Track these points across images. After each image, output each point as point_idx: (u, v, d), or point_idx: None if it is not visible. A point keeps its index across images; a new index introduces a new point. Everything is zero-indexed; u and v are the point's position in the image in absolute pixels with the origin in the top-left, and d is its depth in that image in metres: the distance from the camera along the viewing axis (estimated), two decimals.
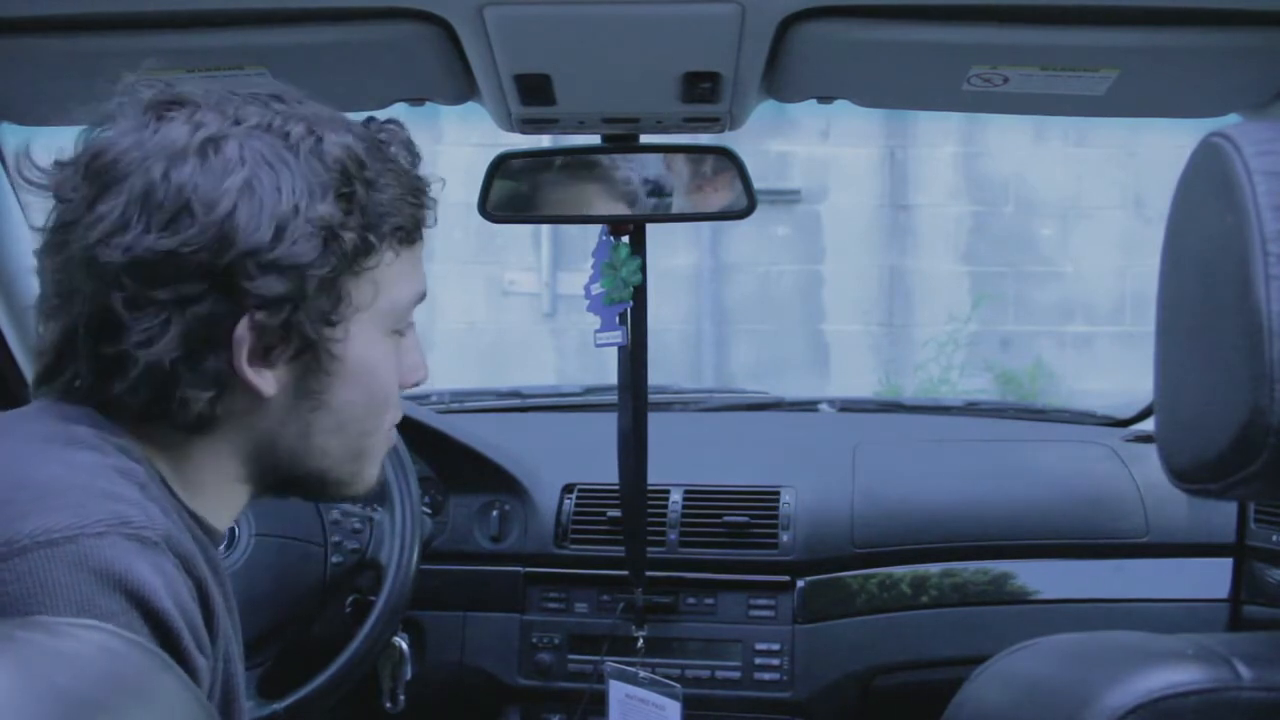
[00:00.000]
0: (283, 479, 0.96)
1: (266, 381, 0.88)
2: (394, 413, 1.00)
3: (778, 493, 1.86)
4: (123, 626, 0.70)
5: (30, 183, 0.90)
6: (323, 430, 0.93)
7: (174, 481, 0.90)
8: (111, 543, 0.75)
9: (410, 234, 0.95)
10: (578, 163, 1.53)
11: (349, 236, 0.88)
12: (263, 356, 0.88)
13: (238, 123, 0.87)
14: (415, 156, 0.97)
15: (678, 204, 1.53)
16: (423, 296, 0.99)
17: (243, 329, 0.85)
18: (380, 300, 0.93)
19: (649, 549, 1.79)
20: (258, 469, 0.94)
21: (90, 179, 0.85)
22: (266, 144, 0.86)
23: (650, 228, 1.60)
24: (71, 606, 0.73)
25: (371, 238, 0.90)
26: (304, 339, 0.88)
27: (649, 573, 1.80)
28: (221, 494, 0.94)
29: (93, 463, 0.82)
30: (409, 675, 1.76)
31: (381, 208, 0.91)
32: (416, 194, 0.95)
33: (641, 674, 1.76)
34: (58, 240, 0.87)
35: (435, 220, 0.98)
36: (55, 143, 0.91)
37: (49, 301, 0.89)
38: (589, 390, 2.32)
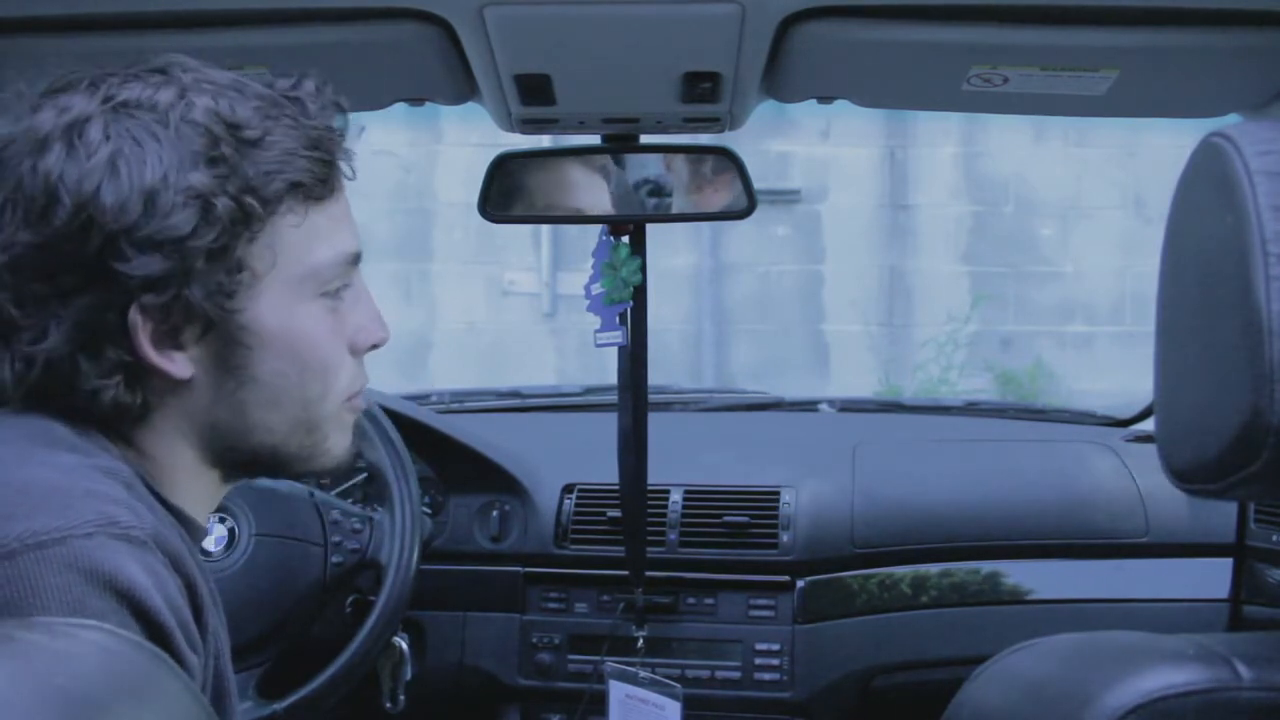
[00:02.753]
0: (241, 460, 0.93)
1: (178, 364, 0.86)
2: (346, 378, 0.94)
3: (778, 493, 1.86)
4: (115, 626, 0.70)
5: None
6: (258, 405, 0.90)
7: (150, 476, 0.88)
8: (100, 543, 0.75)
9: (314, 190, 0.88)
10: (578, 163, 1.53)
11: (223, 203, 0.83)
12: (171, 338, 0.85)
13: (106, 100, 0.84)
14: (326, 107, 0.91)
15: (678, 204, 1.53)
16: (355, 257, 0.93)
17: (134, 314, 0.83)
18: (289, 264, 0.88)
19: (649, 549, 1.79)
20: (214, 452, 0.92)
21: None
22: (134, 119, 0.83)
23: (650, 228, 1.60)
24: (63, 608, 0.72)
25: (251, 201, 0.84)
26: (204, 315, 0.85)
27: (649, 573, 1.80)
28: (192, 483, 0.92)
29: (76, 463, 0.82)
30: (409, 675, 1.76)
31: (267, 166, 0.85)
32: (318, 146, 0.89)
33: (642, 674, 1.76)
34: None
35: (353, 173, 0.93)
36: None
37: None
38: (589, 390, 2.32)
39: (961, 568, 1.83)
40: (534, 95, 1.32)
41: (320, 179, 0.89)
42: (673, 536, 1.84)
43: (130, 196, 0.81)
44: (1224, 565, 1.80)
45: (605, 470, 1.77)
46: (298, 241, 0.88)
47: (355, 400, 0.97)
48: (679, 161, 1.53)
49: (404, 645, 1.75)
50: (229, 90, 0.86)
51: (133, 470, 0.86)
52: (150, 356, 0.84)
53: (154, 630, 0.75)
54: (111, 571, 0.74)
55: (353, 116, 0.96)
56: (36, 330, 0.83)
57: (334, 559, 1.62)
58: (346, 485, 1.82)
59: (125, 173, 0.81)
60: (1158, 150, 5.75)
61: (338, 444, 0.96)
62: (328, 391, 0.93)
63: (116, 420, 0.87)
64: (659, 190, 1.52)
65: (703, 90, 1.30)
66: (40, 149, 0.82)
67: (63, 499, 0.77)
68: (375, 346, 0.97)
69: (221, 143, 0.84)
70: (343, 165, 0.92)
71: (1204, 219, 0.79)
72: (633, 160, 1.52)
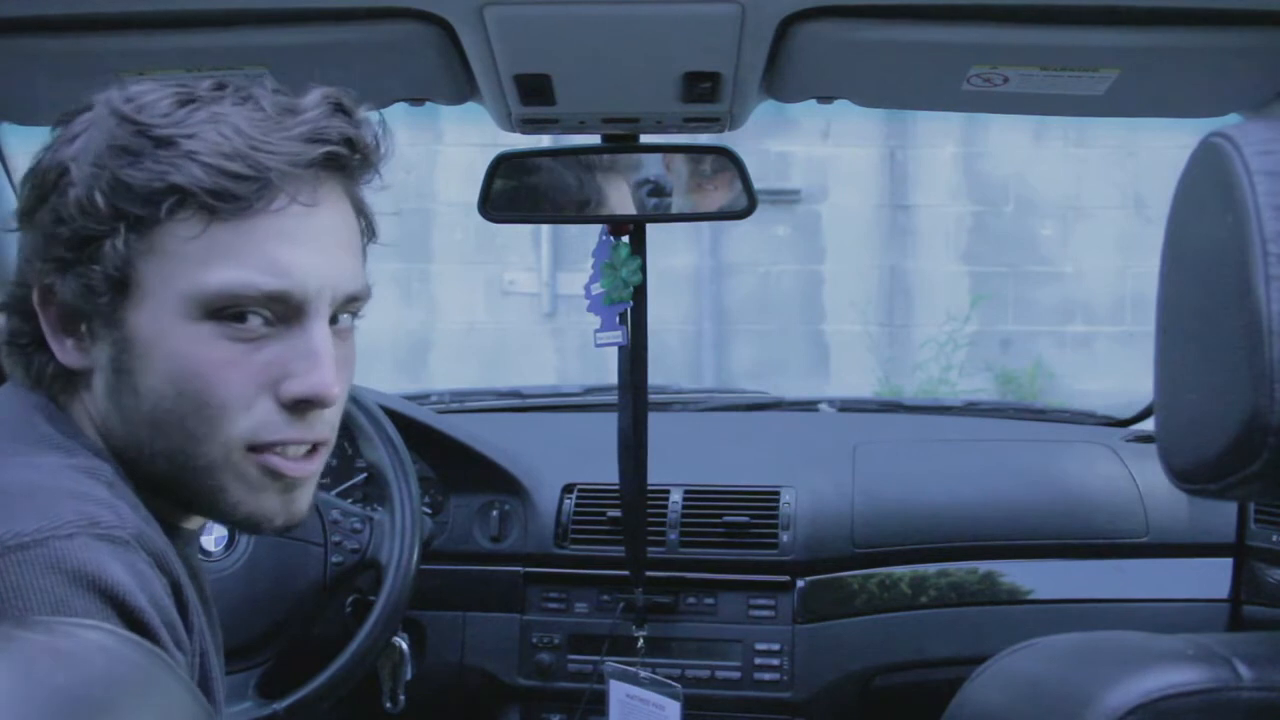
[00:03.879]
0: (150, 479, 0.88)
1: (66, 352, 0.87)
2: (249, 423, 0.85)
3: (778, 493, 1.86)
4: None
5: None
6: (141, 421, 0.86)
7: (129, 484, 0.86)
8: (83, 544, 0.74)
9: (215, 206, 0.82)
10: (577, 163, 1.53)
11: (100, 195, 0.82)
12: (72, 325, 0.87)
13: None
14: (272, 117, 0.85)
15: (678, 204, 1.53)
16: (266, 294, 0.83)
17: (35, 291, 0.88)
18: (176, 278, 0.83)
19: (649, 549, 1.79)
20: (126, 463, 0.89)
21: None
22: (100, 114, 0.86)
23: (650, 228, 1.60)
24: (46, 609, 0.72)
25: (124, 205, 0.82)
26: (86, 307, 0.85)
27: (649, 573, 1.80)
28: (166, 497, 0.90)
29: (57, 464, 0.82)
30: (409, 675, 1.76)
31: (149, 173, 0.81)
32: (232, 158, 0.82)
33: (642, 674, 1.75)
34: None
35: (314, 201, 0.85)
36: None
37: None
38: (589, 390, 2.32)
39: (961, 568, 1.83)
40: (534, 95, 1.32)
41: (226, 194, 0.82)
42: (673, 536, 1.84)
43: (50, 169, 0.85)
44: (1224, 565, 1.80)
45: (605, 470, 1.77)
46: (192, 255, 0.82)
47: (269, 456, 0.87)
48: (679, 161, 1.52)
49: (404, 645, 1.75)
50: (163, 89, 0.86)
51: (114, 468, 0.85)
52: (47, 334, 0.87)
53: (139, 630, 0.74)
54: (95, 572, 0.73)
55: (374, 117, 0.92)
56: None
57: (334, 559, 1.61)
58: (346, 485, 1.82)
59: (56, 146, 0.86)
60: (1158, 150, 5.75)
61: (242, 500, 0.87)
62: (214, 431, 0.85)
63: (58, 389, 0.89)
64: (659, 190, 1.52)
65: (703, 90, 1.30)
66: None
67: (44, 500, 0.76)
68: (309, 401, 0.85)
69: (133, 134, 0.83)
70: (282, 185, 0.83)
71: (1204, 219, 0.79)
72: (633, 160, 1.52)
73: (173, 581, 0.81)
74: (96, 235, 0.83)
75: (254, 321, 0.84)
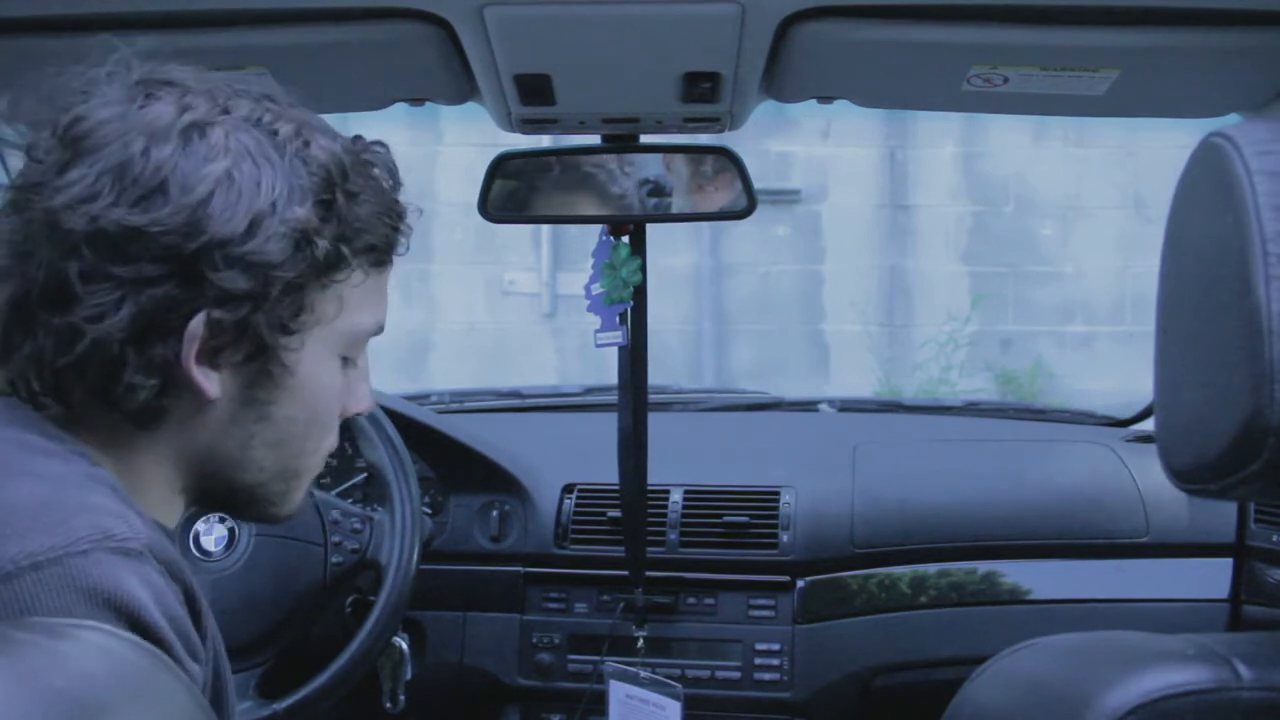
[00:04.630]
0: (216, 490, 0.93)
1: (211, 382, 0.86)
2: (331, 439, 0.97)
3: (778, 493, 1.86)
4: None
5: (8, 144, 0.89)
6: (263, 443, 0.91)
7: (123, 487, 0.87)
8: (97, 560, 0.74)
9: (382, 256, 0.93)
10: (578, 163, 1.53)
11: (322, 244, 0.86)
12: (210, 356, 0.85)
13: (226, 112, 0.85)
14: (396, 181, 0.95)
15: (678, 204, 1.53)
16: (380, 328, 0.96)
17: (197, 323, 0.83)
18: (341, 319, 0.91)
19: (649, 549, 1.79)
20: (194, 478, 0.91)
21: (66, 144, 0.83)
22: (253, 138, 0.85)
23: (650, 228, 1.60)
24: None
25: (345, 250, 0.88)
26: (257, 343, 0.86)
27: (649, 573, 1.80)
28: (161, 504, 0.90)
29: (63, 472, 0.81)
30: (409, 675, 1.76)
31: (359, 222, 0.89)
32: (394, 216, 0.93)
33: (642, 674, 1.76)
34: (22, 199, 0.84)
35: (407, 248, 0.96)
36: None
37: (2, 263, 0.85)
38: (589, 390, 2.32)
39: (961, 568, 1.83)
40: (534, 95, 1.32)
41: (389, 246, 0.93)
42: (673, 536, 1.84)
43: (238, 211, 0.82)
44: (1224, 565, 1.80)
45: (605, 470, 1.77)
46: (353, 300, 0.91)
47: (322, 459, 0.99)
48: (679, 161, 1.52)
49: (404, 645, 1.75)
50: (330, 136, 0.89)
51: (108, 474, 0.85)
52: (191, 368, 0.84)
53: (154, 643, 0.74)
54: (110, 589, 0.73)
55: (349, 119, 0.97)
56: (98, 308, 0.81)
57: (334, 559, 1.61)
58: (346, 485, 1.82)
59: (240, 186, 0.83)
60: (1158, 150, 5.75)
61: (299, 497, 0.98)
62: (320, 447, 0.96)
63: (142, 419, 0.86)
64: (659, 190, 1.52)
65: (703, 90, 1.30)
66: (157, 138, 0.82)
67: (56, 515, 0.76)
68: (357, 414, 1.00)
69: (335, 188, 0.87)
70: (402, 239, 0.96)
71: (1204, 219, 0.79)
72: (633, 160, 1.52)
73: (185, 587, 0.82)
74: (302, 283, 0.86)
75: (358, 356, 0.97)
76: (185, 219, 0.81)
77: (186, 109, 0.84)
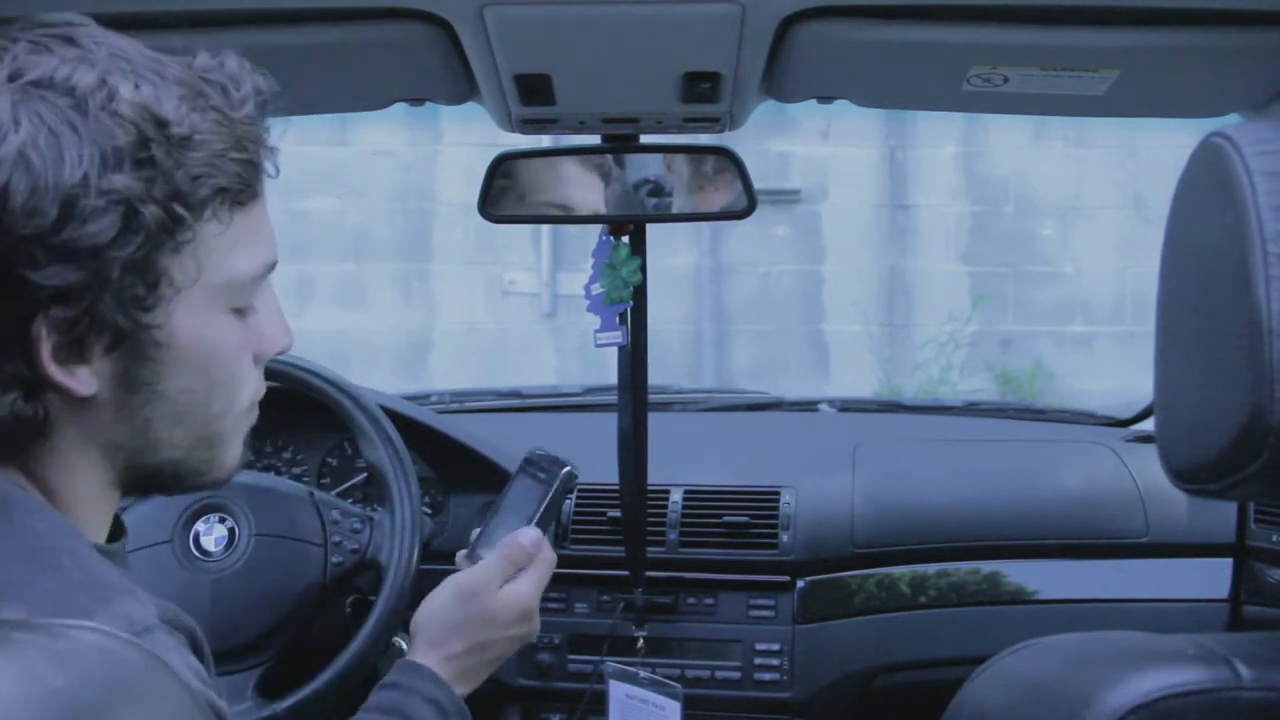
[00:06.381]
0: (140, 477, 0.86)
1: (81, 381, 0.77)
2: (247, 391, 0.88)
3: (778, 493, 1.86)
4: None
5: None
6: (162, 422, 0.83)
7: (54, 503, 0.81)
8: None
9: (239, 195, 0.80)
10: (578, 162, 1.53)
11: (152, 210, 0.74)
12: (76, 351, 0.76)
13: (14, 78, 0.73)
14: (246, 95, 0.81)
15: (678, 204, 1.53)
16: (271, 266, 0.86)
17: (38, 327, 0.74)
18: (210, 275, 0.80)
19: (649, 549, 1.79)
20: (114, 471, 0.84)
21: None
22: (47, 103, 0.73)
23: (650, 228, 1.59)
24: None
25: (179, 208, 0.76)
26: (114, 329, 0.76)
27: (649, 573, 1.80)
28: (95, 504, 0.85)
29: (51, 541, 0.76)
30: None
31: (196, 169, 0.76)
32: (244, 145, 0.80)
33: (642, 674, 1.75)
34: None
35: (276, 171, 0.84)
36: None
37: None
38: (589, 390, 2.32)
39: (961, 568, 1.83)
40: (534, 95, 1.32)
41: (245, 182, 0.81)
42: (673, 536, 1.84)
43: (45, 197, 0.71)
44: (1224, 565, 1.80)
45: (605, 470, 1.77)
46: (219, 250, 0.80)
47: (253, 410, 0.91)
48: (679, 161, 1.52)
49: (404, 645, 1.75)
50: (150, 73, 0.77)
51: (37, 500, 0.79)
52: (52, 372, 0.75)
53: (213, 713, 0.73)
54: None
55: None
56: None
57: (334, 559, 1.61)
58: (346, 485, 1.82)
59: (40, 168, 0.71)
60: (1158, 150, 5.76)
61: (233, 455, 0.90)
62: (232, 406, 0.87)
63: (17, 438, 0.78)
64: (659, 190, 1.52)
65: (703, 90, 1.30)
66: None
67: (65, 603, 0.71)
68: (280, 353, 0.91)
69: (151, 142, 0.74)
70: (266, 164, 0.84)
71: (1204, 219, 0.79)
72: (633, 160, 1.52)
73: (188, 631, 0.80)
74: (144, 255, 0.76)
75: (255, 299, 0.87)
76: None
77: None
